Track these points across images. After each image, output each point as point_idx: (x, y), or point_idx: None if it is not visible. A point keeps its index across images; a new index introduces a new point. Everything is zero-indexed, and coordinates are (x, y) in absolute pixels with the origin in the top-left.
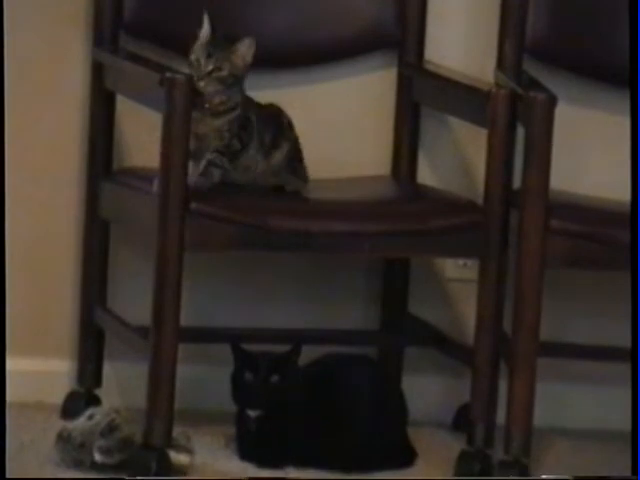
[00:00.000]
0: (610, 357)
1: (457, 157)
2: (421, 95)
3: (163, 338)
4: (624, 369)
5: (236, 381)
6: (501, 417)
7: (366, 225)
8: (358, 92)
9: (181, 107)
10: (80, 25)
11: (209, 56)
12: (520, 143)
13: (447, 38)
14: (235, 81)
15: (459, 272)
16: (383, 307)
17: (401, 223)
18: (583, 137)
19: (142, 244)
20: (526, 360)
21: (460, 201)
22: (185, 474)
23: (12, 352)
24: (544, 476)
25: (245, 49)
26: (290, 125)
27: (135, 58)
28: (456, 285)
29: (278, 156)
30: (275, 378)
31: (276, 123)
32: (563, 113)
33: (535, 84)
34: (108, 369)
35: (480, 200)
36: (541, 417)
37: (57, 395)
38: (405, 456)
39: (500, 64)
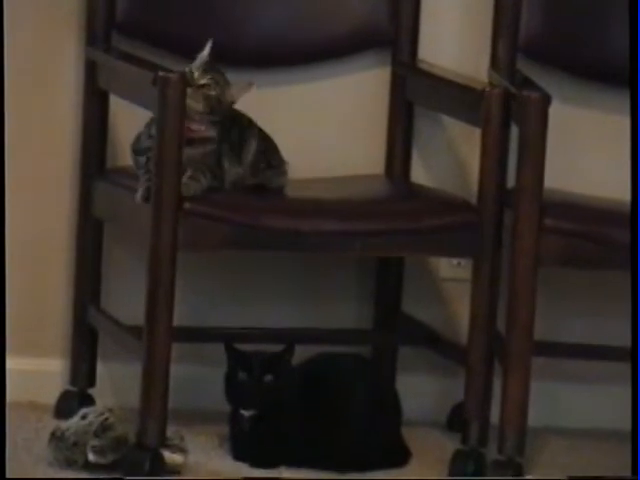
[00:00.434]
0: (604, 356)
1: (451, 156)
2: (415, 94)
3: (156, 338)
4: (619, 368)
5: (230, 381)
6: (495, 416)
7: (359, 224)
8: (351, 91)
9: (174, 106)
10: (73, 25)
11: (205, 72)
12: (514, 142)
13: (441, 37)
14: (216, 114)
15: (453, 271)
16: (377, 306)
17: (394, 222)
18: (577, 136)
19: (135, 244)
20: (520, 359)
21: (454, 200)
22: (179, 474)
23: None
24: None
25: (239, 89)
26: (250, 122)
27: (128, 57)
28: (450, 284)
29: (249, 155)
30: (268, 378)
31: (237, 126)
32: (557, 112)
33: (529, 83)
34: (101, 369)
35: (474, 199)
36: (535, 416)
37: (50, 395)
38: (399, 455)
39: (494, 63)
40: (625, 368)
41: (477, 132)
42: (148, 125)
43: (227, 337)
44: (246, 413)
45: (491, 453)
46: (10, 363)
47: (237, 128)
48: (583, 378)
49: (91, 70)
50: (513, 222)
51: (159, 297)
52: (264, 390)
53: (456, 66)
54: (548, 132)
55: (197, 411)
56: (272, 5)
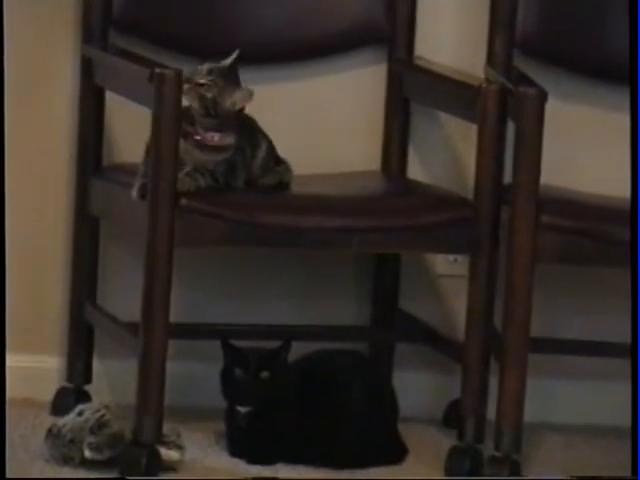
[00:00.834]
0: (601, 353)
1: (447, 153)
2: (411, 91)
3: (153, 334)
4: (616, 365)
5: (226, 377)
6: (492, 413)
7: (356, 221)
8: (348, 88)
9: (171, 102)
10: (69, 21)
11: (209, 73)
12: (510, 138)
13: (437, 34)
14: (225, 120)
15: (449, 268)
16: (373, 303)
17: (391, 219)
18: (573, 133)
19: (132, 240)
20: (517, 356)
21: (450, 196)
22: (175, 470)
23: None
24: (543, 477)
25: (240, 96)
26: (256, 123)
27: (125, 54)
28: (447, 281)
29: (259, 160)
30: (265, 374)
31: (247, 130)
32: (553, 108)
33: (525, 79)
34: (98, 365)
35: (470, 195)
36: (532, 413)
37: (47, 391)
38: (396, 452)
39: (490, 60)
40: (622, 364)
41: (474, 128)
42: None
43: (224, 334)
44: (242, 410)
45: (488, 449)
46: (7, 360)
47: (247, 133)
48: (580, 375)
49: (87, 67)
50: (510, 218)
51: (155, 294)
52: (260, 387)
53: (453, 62)
54: (545, 128)
55: (193, 408)
56: (269, 2)
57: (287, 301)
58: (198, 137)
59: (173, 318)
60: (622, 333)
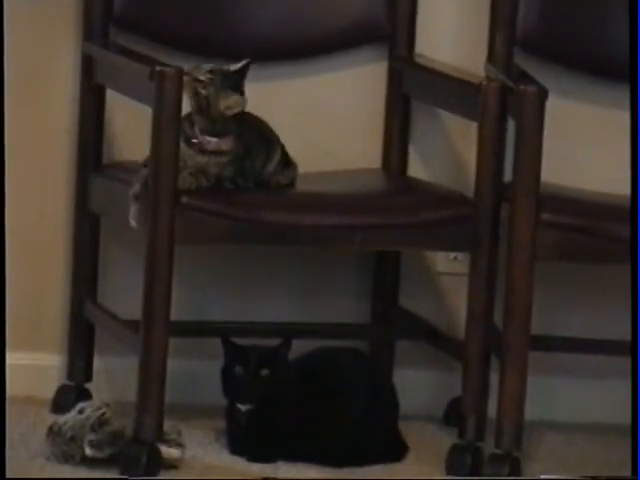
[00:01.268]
0: (602, 350)
1: (448, 150)
2: (412, 88)
3: (153, 332)
4: (616, 362)
5: (226, 375)
6: (492, 410)
7: (356, 218)
8: (349, 85)
9: (171, 100)
10: (70, 19)
11: (210, 72)
12: (511, 136)
13: (438, 31)
14: (223, 125)
15: (450, 265)
16: (374, 300)
17: (391, 216)
18: (574, 130)
19: (132, 238)
20: (517, 353)
21: (451, 194)
22: (176, 468)
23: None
24: (543, 476)
25: (234, 101)
26: (269, 127)
27: (125, 52)
28: (447, 278)
29: (274, 163)
30: (265, 372)
31: (262, 137)
32: (554, 106)
33: (526, 77)
34: (98, 363)
35: (471, 193)
36: (532, 410)
37: (47, 389)
38: (396, 450)
39: (491, 57)
40: (622, 362)
41: (474, 126)
42: None
43: (224, 331)
44: (243, 407)
45: (488, 447)
46: (7, 358)
47: (262, 138)
48: (580, 372)
49: (88, 65)
50: (510, 216)
51: (156, 291)
52: (260, 384)
53: (453, 60)
54: (545, 126)
55: (194, 405)
56: (269, 0)
57: (287, 299)
58: (196, 140)
59: (173, 316)
60: (622, 331)
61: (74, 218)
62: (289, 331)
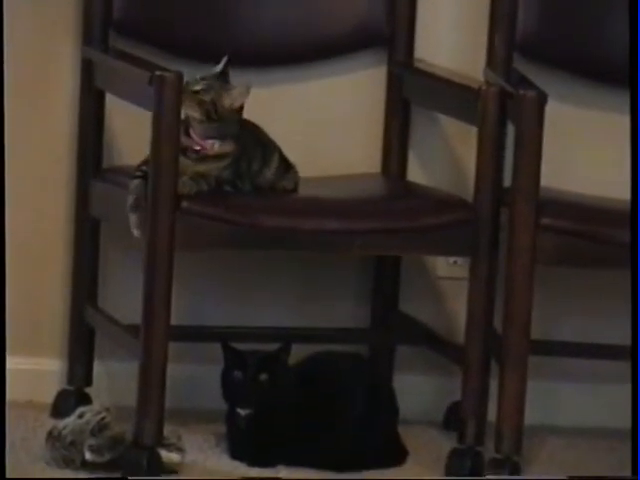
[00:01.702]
0: (601, 355)
1: (447, 155)
2: (411, 93)
3: (153, 337)
4: (616, 367)
5: (226, 379)
6: (492, 415)
7: (356, 223)
8: (348, 90)
9: (170, 105)
10: (69, 24)
11: (202, 79)
12: (510, 141)
13: (437, 36)
14: (224, 126)
15: (450, 270)
16: (374, 305)
17: (391, 221)
18: (573, 135)
19: (132, 243)
20: (517, 358)
21: (450, 199)
22: (176, 473)
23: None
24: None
25: (237, 93)
26: (263, 132)
27: (125, 56)
28: (447, 283)
29: (272, 169)
30: (264, 376)
31: (259, 140)
32: (553, 111)
33: (525, 82)
34: (98, 368)
35: (470, 198)
36: (532, 415)
37: (47, 394)
38: (396, 454)
39: (490, 62)
40: (622, 367)
41: (473, 131)
42: None
43: (224, 336)
44: (242, 412)
45: (488, 452)
46: (7, 362)
47: (258, 144)
48: (580, 377)
49: (87, 69)
50: (509, 221)
51: (156, 296)
52: (260, 389)
53: (452, 65)
54: (544, 131)
55: (194, 410)
56: (269, 4)
57: (287, 303)
58: (198, 147)
59: (174, 320)
60: (622, 335)
61: (74, 222)
62: (288, 336)
